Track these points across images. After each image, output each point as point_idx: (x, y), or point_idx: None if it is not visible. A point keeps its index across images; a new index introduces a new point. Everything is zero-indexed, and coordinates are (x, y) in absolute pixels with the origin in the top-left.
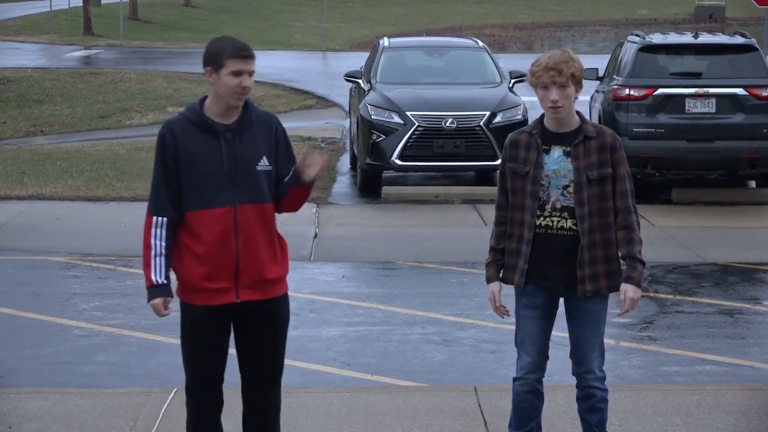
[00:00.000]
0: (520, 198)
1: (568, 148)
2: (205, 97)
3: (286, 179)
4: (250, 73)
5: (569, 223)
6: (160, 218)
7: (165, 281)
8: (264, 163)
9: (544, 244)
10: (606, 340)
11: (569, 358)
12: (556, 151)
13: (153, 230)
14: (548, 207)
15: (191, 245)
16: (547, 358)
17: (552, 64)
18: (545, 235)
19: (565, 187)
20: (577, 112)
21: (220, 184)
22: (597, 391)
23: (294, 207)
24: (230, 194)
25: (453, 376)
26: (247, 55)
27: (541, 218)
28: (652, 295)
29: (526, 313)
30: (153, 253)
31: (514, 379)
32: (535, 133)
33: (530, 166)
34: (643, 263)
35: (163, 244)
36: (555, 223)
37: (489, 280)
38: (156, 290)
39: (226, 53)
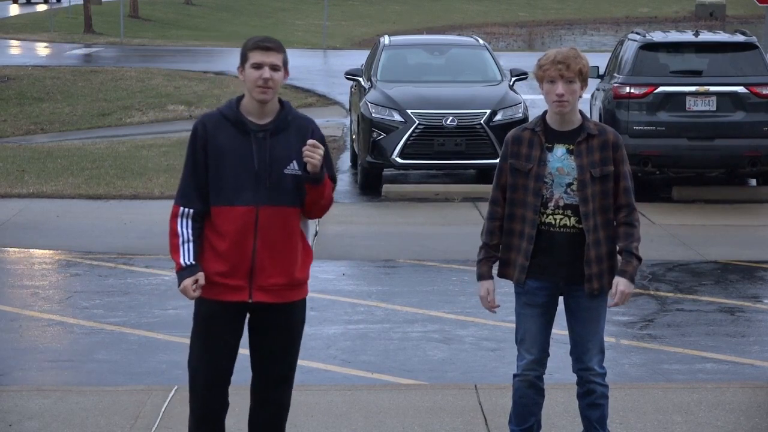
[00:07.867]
0: (521, 195)
1: (571, 146)
2: (243, 95)
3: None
4: (273, 67)
5: (572, 221)
6: (186, 209)
7: (193, 262)
8: (293, 167)
9: (545, 241)
10: (606, 338)
11: (569, 356)
12: (560, 149)
13: (179, 219)
14: (551, 204)
15: (212, 239)
16: (548, 355)
17: (561, 58)
18: (547, 232)
19: (569, 184)
20: (579, 111)
21: (245, 183)
22: (597, 386)
23: (313, 211)
24: (253, 194)
25: (453, 374)
26: (266, 46)
27: (544, 215)
28: (652, 293)
29: (526, 311)
30: (181, 240)
31: (515, 375)
32: (538, 131)
33: (533, 164)
34: (639, 259)
35: (190, 231)
36: (558, 220)
37: (481, 277)
38: (185, 272)
39: (248, 46)
